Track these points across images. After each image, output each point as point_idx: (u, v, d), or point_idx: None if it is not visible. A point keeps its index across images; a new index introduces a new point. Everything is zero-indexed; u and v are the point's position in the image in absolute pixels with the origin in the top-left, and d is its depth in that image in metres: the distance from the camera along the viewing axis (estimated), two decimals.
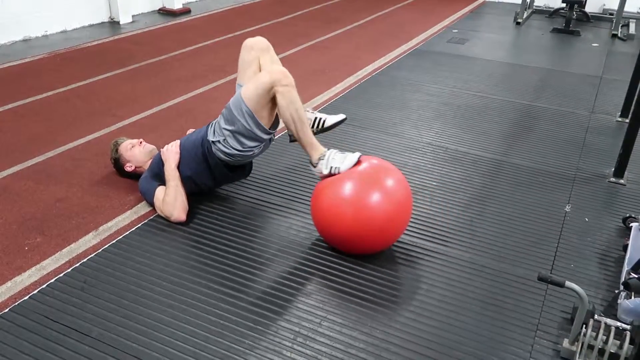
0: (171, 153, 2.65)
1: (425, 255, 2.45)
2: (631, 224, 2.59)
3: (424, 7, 7.67)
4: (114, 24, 6.19)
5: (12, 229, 2.54)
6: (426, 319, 2.10)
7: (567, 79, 4.98)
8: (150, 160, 2.86)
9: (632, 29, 6.59)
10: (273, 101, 2.42)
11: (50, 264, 2.31)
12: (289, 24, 6.49)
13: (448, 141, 3.60)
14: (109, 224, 2.59)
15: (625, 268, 2.25)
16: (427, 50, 5.62)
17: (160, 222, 2.61)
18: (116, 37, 5.67)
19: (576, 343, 1.90)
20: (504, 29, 6.70)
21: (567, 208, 2.87)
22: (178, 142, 2.70)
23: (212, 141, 2.55)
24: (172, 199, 2.56)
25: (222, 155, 2.55)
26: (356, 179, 2.30)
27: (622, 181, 3.16)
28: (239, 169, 2.70)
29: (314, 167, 2.40)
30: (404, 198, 2.34)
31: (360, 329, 2.03)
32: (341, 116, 2.70)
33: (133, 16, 6.39)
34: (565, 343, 1.92)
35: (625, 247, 2.49)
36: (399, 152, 3.41)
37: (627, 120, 3.94)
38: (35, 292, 2.14)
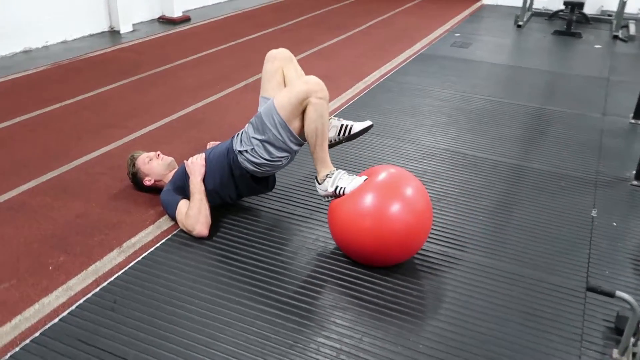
0: (197, 166, 2.59)
1: (456, 265, 2.41)
2: None
3: (423, 11, 7.66)
4: (114, 33, 6.12)
5: (33, 247, 2.47)
6: (468, 331, 2.05)
7: (574, 81, 4.97)
8: (170, 173, 2.81)
9: (632, 29, 6.61)
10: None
11: (76, 283, 2.24)
12: (292, 30, 6.45)
13: (465, 147, 3.57)
14: (133, 240, 2.53)
15: None
16: (431, 54, 5.60)
17: (184, 237, 2.55)
18: (118, 47, 5.60)
19: (626, 353, 1.86)
20: (505, 32, 6.70)
21: (594, 213, 2.85)
22: (203, 154, 2.65)
23: (240, 151, 2.50)
24: (195, 213, 2.50)
25: (248, 165, 2.51)
26: (375, 190, 2.25)
27: None
28: (263, 181, 2.65)
29: (319, 183, 2.42)
30: (423, 207, 2.29)
31: (403, 344, 1.98)
32: (368, 122, 2.65)
33: (133, 25, 6.32)
34: (615, 354, 1.89)
35: None
36: (418, 159, 3.38)
37: None
38: (65, 313, 2.07)
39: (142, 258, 2.40)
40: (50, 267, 2.34)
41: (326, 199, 2.47)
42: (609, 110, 4.25)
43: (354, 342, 1.98)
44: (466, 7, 7.92)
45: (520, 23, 6.86)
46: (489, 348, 1.98)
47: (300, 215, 2.75)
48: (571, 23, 6.53)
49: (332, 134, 2.61)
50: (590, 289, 1.83)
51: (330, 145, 2.62)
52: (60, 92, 4.29)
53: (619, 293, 1.79)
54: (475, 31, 6.66)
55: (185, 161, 2.68)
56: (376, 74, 4.92)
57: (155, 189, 2.84)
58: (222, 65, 5.12)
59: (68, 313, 2.08)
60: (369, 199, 2.23)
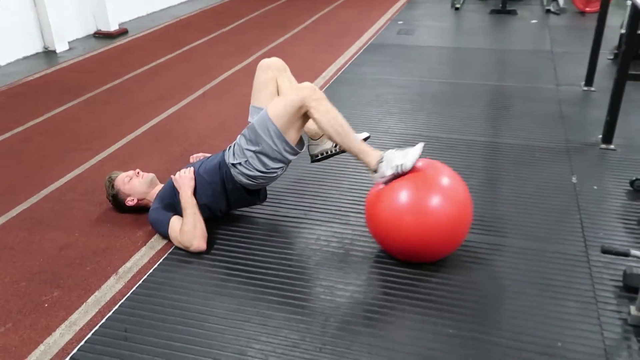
0: (186, 179, 2.50)
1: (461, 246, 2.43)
2: None
3: (361, 3, 7.72)
4: (50, 53, 5.82)
5: (21, 286, 2.31)
6: (487, 307, 2.08)
7: (521, 56, 5.15)
8: (153, 190, 2.70)
9: (561, 2, 6.90)
10: (301, 120, 2.34)
11: (79, 318, 2.11)
12: (236, 33, 6.34)
13: (437, 130, 3.61)
14: (128, 264, 2.41)
15: None
16: (380, 44, 5.65)
17: (181, 254, 2.45)
18: (58, 67, 5.33)
19: None
20: (444, 16, 6.85)
21: (574, 179, 2.95)
22: (191, 168, 2.56)
23: (233, 164, 2.43)
24: (191, 228, 2.41)
25: (242, 179, 2.44)
26: (414, 184, 2.19)
27: (612, 147, 3.28)
28: (256, 192, 2.59)
29: (375, 172, 2.26)
30: (465, 196, 2.25)
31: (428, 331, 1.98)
32: (365, 134, 2.59)
33: (69, 43, 6.04)
34: (633, 310, 1.95)
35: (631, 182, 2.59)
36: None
37: (593, 89, 4.15)
38: (75, 350, 1.95)
39: (143, 282, 2.29)
40: (46, 305, 2.19)
41: (387, 182, 2.27)
42: (561, 81, 4.42)
43: (389, 340, 1.97)
44: None
45: (458, 5, 7.03)
46: (514, 322, 2.01)
47: (296, 217, 2.71)
48: (506, 1, 6.75)
49: (328, 145, 2.55)
50: (606, 251, 1.89)
51: (328, 156, 2.58)
52: (8, 120, 4.04)
53: (633, 252, 1.85)
54: (416, 17, 6.77)
55: (172, 176, 2.58)
56: (332, 69, 4.91)
57: (139, 209, 2.73)
58: (175, 74, 4.97)
59: (78, 350, 1.95)
60: (409, 194, 2.18)
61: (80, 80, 4.92)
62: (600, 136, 3.35)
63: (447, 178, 2.25)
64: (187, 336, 1.99)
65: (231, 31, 6.41)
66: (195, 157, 2.80)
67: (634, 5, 3.04)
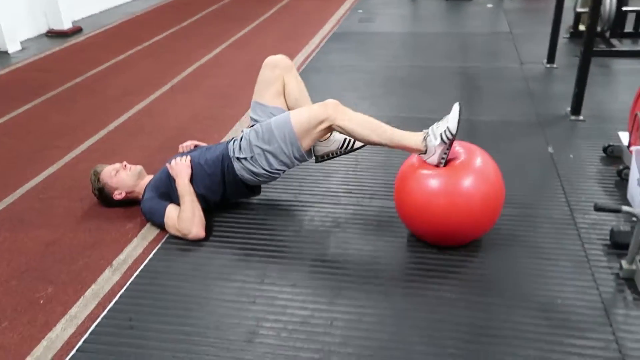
0: (183, 166, 2.46)
1: None
2: (613, 151, 2.86)
3: None
4: (2, 54, 5.59)
5: (12, 285, 2.23)
6: (486, 272, 2.14)
7: (482, 39, 5.28)
8: (141, 182, 2.65)
9: None
10: (319, 133, 2.32)
11: (79, 311, 2.05)
12: (196, 27, 6.25)
13: (414, 112, 3.67)
14: (121, 256, 2.36)
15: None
16: (344, 32, 5.69)
17: (177, 242, 2.41)
18: (13, 68, 5.13)
19: (634, 262, 2.03)
20: (401, 3, 6.96)
21: (550, 149, 3.06)
22: (188, 156, 2.52)
23: (238, 157, 2.41)
24: (189, 215, 2.38)
25: (244, 174, 2.42)
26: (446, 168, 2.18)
27: (581, 117, 3.42)
28: (256, 187, 2.59)
29: (424, 153, 2.21)
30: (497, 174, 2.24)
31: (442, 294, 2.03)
32: None
33: (21, 43, 5.82)
34: (625, 264, 2.05)
35: (619, 172, 2.70)
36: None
37: (555, 66, 4.30)
38: (81, 343, 1.90)
39: (140, 272, 2.25)
40: (42, 301, 2.12)
41: (443, 158, 2.20)
42: (524, 59, 4.56)
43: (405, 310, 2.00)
44: None
45: None
46: (514, 285, 2.07)
47: (286, 200, 2.71)
48: None
49: (335, 147, 2.55)
50: (599, 208, 1.98)
51: (333, 157, 2.57)
52: None
53: (625, 208, 1.95)
54: (374, 6, 6.84)
55: (167, 164, 2.53)
56: (300, 57, 4.92)
57: (127, 202, 2.67)
58: (139, 70, 4.87)
59: (84, 342, 1.90)
60: (442, 178, 2.15)
61: (39, 79, 4.75)
62: (569, 109, 3.48)
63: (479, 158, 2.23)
64: (195, 321, 1.97)
65: (191, 26, 6.31)
66: (185, 147, 2.76)
67: None
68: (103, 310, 2.05)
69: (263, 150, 2.37)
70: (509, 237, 2.35)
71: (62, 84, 4.57)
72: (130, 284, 2.18)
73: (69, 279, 2.24)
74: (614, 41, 4.55)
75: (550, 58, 4.37)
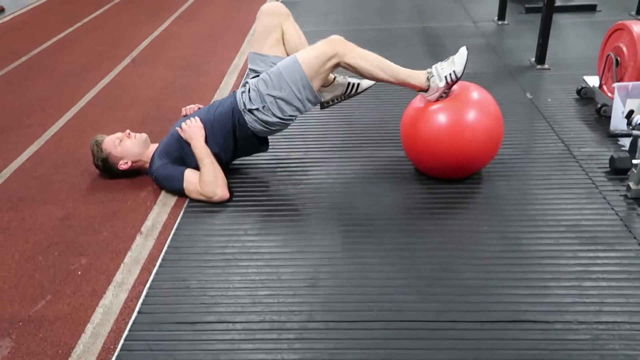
0: (196, 128, 2.40)
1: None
2: (587, 93, 3.11)
3: None
4: None
5: (39, 260, 2.12)
6: (504, 201, 2.29)
7: (431, 2, 5.45)
8: (147, 150, 2.57)
9: None
10: (328, 71, 2.31)
11: (125, 277, 2.00)
12: (135, 1, 5.99)
13: None
14: (148, 222, 2.30)
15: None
16: (294, 1, 5.66)
17: (202, 206, 2.37)
18: None
19: None
20: None
21: (529, 95, 3.27)
22: (197, 117, 2.45)
23: (249, 109, 2.36)
24: (212, 177, 2.35)
25: (257, 125, 2.39)
26: (448, 103, 2.32)
27: (546, 66, 3.66)
28: (266, 140, 2.57)
29: (427, 91, 2.32)
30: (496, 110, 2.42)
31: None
32: (372, 82, 2.63)
33: None
34: (632, 185, 2.26)
35: (597, 110, 2.95)
36: (356, 98, 3.49)
37: (506, 22, 4.55)
38: (140, 305, 1.85)
39: (174, 235, 2.21)
40: (79, 272, 2.04)
41: (442, 97, 2.35)
42: (476, 18, 4.78)
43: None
44: None
45: None
46: (538, 214, 2.23)
47: (298, 158, 2.73)
48: None
49: (339, 91, 2.57)
50: (612, 135, 2.16)
51: (334, 102, 2.59)
52: None
53: (635, 132, 2.14)
54: None
55: (177, 128, 2.47)
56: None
57: (131, 172, 2.58)
58: (87, 45, 4.63)
59: (142, 304, 1.86)
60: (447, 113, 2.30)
61: None
62: (533, 59, 3.71)
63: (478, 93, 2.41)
64: (250, 277, 1.96)
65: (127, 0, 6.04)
66: (189, 109, 2.69)
67: None
68: (149, 275, 2.00)
69: (275, 97, 2.34)
70: (514, 171, 2.50)
71: (7, 64, 4.27)
72: (168, 247, 2.14)
73: (100, 249, 2.16)
74: None
75: (501, 15, 4.62)
